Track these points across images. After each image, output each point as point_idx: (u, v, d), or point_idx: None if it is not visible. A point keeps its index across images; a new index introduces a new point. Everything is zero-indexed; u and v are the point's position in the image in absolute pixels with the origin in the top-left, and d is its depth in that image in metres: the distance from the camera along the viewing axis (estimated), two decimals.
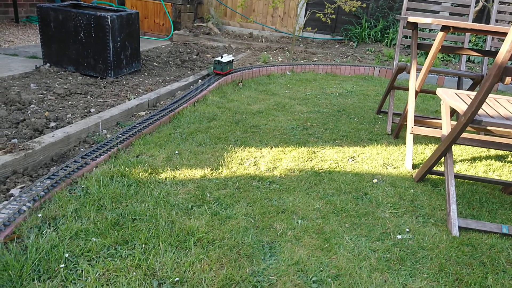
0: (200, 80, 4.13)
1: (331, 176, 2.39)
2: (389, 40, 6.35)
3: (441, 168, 2.55)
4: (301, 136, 2.98)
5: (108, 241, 1.63)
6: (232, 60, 4.32)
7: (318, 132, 3.09)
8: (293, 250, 1.70)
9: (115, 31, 3.68)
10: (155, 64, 4.66)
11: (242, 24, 7.15)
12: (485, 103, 2.21)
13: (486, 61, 3.46)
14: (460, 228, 1.92)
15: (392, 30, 6.40)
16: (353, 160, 2.63)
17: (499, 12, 3.60)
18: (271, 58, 5.52)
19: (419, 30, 5.88)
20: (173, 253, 1.60)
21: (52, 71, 3.82)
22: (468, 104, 1.92)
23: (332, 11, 5.60)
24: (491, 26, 2.11)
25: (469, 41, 5.96)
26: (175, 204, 1.93)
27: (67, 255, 1.55)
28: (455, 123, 2.05)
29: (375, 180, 2.37)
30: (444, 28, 2.33)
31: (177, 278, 1.48)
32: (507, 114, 2.05)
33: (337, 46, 6.57)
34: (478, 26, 2.16)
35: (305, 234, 1.82)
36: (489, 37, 3.48)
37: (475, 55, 2.93)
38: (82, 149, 2.42)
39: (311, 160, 2.59)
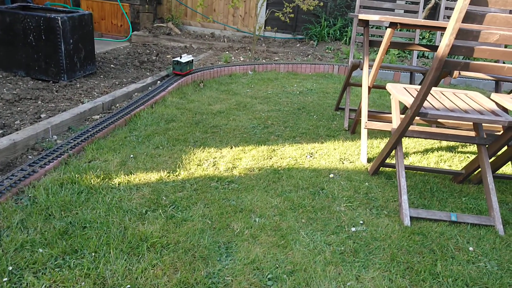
0: (159, 81, 4.05)
1: (290, 173, 2.40)
2: (347, 38, 6.48)
3: (394, 161, 2.62)
4: (261, 134, 2.99)
5: (55, 251, 1.56)
6: (192, 60, 4.27)
7: (278, 130, 3.11)
8: (250, 249, 1.70)
9: (66, 33, 3.55)
10: (112, 66, 4.53)
11: (203, 24, 7.09)
12: (432, 96, 2.30)
13: None
14: (411, 218, 1.99)
15: (350, 29, 6.54)
16: (311, 157, 2.67)
17: (447, 8, 3.76)
18: (233, 58, 5.50)
19: (376, 28, 6.04)
20: (125, 260, 1.56)
21: (0, 76, 3.64)
22: (415, 97, 1.99)
23: (291, 10, 5.65)
24: (434, 22, 2.19)
25: (423, 38, 6.19)
26: (128, 209, 1.88)
27: (10, 268, 1.47)
28: None
29: (331, 175, 2.41)
30: (392, 25, 2.40)
31: (129, 285, 1.44)
32: (452, 106, 2.14)
33: (298, 45, 6.64)
34: (422, 22, 2.24)
35: (262, 232, 1.82)
36: (438, 32, 3.63)
37: (424, 51, 3.04)
38: (30, 157, 2.31)
39: (270, 158, 2.60)
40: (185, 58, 4.14)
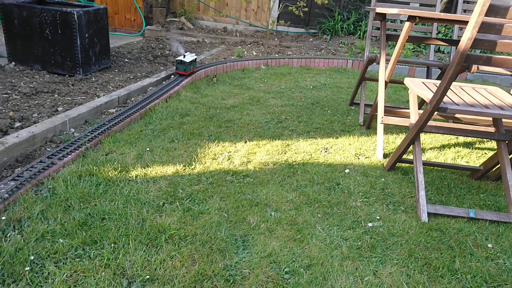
0: (172, 76, 4.06)
1: (305, 168, 2.40)
2: (361, 33, 6.42)
3: (410, 157, 2.60)
4: (275, 129, 2.99)
5: (75, 242, 1.59)
6: (195, 59, 4.06)
7: (292, 125, 3.10)
8: (266, 242, 1.70)
9: (82, 27, 3.58)
10: (126, 60, 4.56)
11: (216, 19, 7.08)
12: (451, 91, 2.27)
13: (453, 51, 3.55)
14: (429, 214, 1.97)
15: (364, 23, 6.48)
16: (326, 152, 2.66)
17: (465, 1, 3.69)
18: (245, 53, 5.49)
19: (391, 22, 5.97)
20: (144, 251, 1.57)
21: (17, 69, 3.69)
22: (434, 92, 1.96)
23: (305, 4, 5.61)
24: (454, 15, 2.15)
25: (439, 32, 6.09)
26: (146, 201, 1.90)
27: (32, 257, 1.50)
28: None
29: (347, 170, 2.40)
30: (410, 18, 2.37)
31: (148, 276, 1.46)
32: (471, 101, 2.10)
33: (311, 39, 6.60)
34: (442, 15, 2.21)
35: (278, 226, 1.82)
36: (456, 26, 3.57)
37: (442, 45, 2.99)
38: (49, 149, 2.35)
39: (285, 153, 2.59)
40: (188, 57, 3.94)
